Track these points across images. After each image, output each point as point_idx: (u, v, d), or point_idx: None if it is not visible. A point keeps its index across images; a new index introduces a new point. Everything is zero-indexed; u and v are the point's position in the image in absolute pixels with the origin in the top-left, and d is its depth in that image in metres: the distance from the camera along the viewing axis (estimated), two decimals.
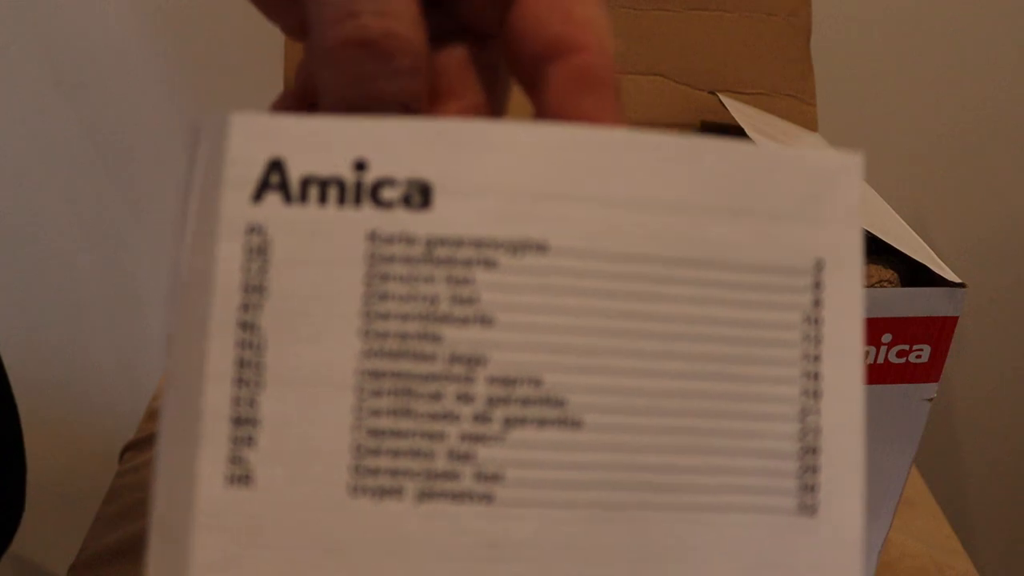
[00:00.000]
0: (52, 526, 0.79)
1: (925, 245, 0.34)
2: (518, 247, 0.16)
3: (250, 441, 0.16)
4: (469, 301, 0.16)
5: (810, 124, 0.53)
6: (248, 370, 0.16)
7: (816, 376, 0.17)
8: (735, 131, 0.43)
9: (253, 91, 0.72)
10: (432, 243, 0.16)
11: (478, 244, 0.16)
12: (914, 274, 0.33)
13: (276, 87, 0.55)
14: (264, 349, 0.16)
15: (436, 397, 0.16)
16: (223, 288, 0.16)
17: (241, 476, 0.15)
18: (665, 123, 0.48)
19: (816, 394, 0.17)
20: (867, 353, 0.32)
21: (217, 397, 0.15)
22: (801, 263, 0.17)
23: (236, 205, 0.16)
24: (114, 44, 0.72)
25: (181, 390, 0.16)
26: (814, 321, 0.17)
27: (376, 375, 0.16)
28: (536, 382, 0.16)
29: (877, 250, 0.33)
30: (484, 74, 0.20)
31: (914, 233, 0.36)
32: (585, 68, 0.18)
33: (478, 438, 0.16)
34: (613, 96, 0.18)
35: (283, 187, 0.16)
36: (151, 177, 0.77)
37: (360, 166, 0.16)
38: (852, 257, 0.17)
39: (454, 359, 0.16)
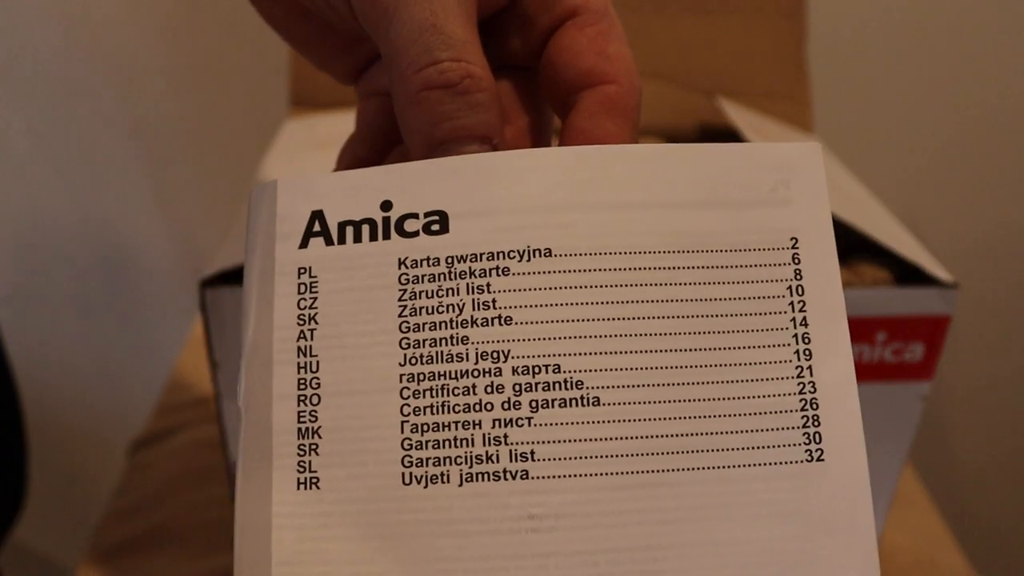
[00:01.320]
0: (61, 519, 0.79)
1: (919, 245, 0.35)
2: (525, 255, 0.18)
3: (314, 448, 0.18)
4: (488, 305, 0.18)
5: (806, 126, 0.54)
6: (307, 388, 0.18)
7: (806, 338, 0.19)
8: (733, 134, 0.44)
9: (256, 96, 0.73)
10: (452, 260, 0.18)
11: (491, 256, 0.18)
12: (908, 274, 0.33)
13: (279, 94, 0.55)
14: (319, 368, 0.18)
15: (469, 390, 0.18)
16: (282, 322, 0.18)
17: (309, 480, 0.18)
18: (663, 126, 0.49)
19: (808, 354, 0.19)
20: (862, 352, 0.33)
21: (284, 415, 0.18)
22: (779, 241, 0.19)
23: (288, 252, 0.19)
24: (123, 48, 0.72)
25: (255, 412, 0.18)
26: (798, 290, 0.19)
27: (416, 378, 0.18)
28: (555, 368, 0.18)
29: (871, 250, 0.34)
30: (527, 101, 0.23)
31: (908, 233, 0.36)
32: (613, 96, 0.20)
33: (509, 422, 0.18)
34: (631, 124, 0.20)
35: (324, 233, 0.19)
36: (155, 178, 0.77)
37: (386, 206, 0.19)
38: (824, 231, 0.19)
39: (481, 356, 0.18)
